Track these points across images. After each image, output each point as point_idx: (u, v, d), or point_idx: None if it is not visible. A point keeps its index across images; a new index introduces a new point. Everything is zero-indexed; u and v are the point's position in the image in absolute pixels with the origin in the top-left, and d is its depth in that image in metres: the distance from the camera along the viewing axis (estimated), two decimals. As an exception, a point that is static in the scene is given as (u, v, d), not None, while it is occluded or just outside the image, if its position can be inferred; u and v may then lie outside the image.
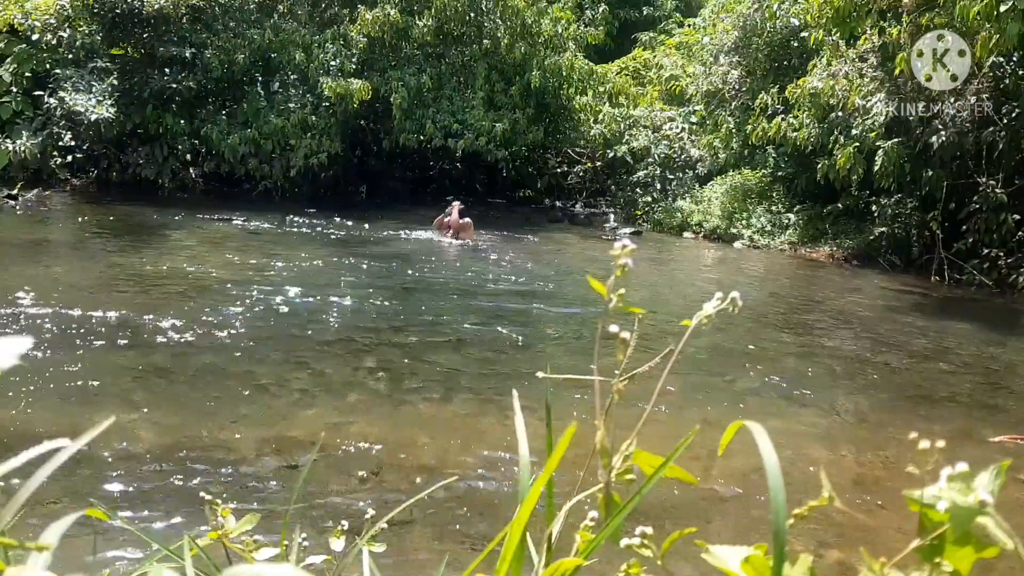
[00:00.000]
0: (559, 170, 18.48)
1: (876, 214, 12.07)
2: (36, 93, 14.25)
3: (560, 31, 16.07)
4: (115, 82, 14.12)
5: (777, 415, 5.36)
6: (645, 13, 24.09)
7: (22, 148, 13.64)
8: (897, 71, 10.64)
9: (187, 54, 14.37)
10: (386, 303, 7.72)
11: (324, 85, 14.12)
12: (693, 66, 17.46)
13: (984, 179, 10.76)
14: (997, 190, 10.59)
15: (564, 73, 15.69)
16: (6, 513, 0.61)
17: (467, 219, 11.99)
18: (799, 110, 12.53)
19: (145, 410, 4.69)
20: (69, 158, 14.41)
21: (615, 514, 0.76)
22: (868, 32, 11.77)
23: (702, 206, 14.78)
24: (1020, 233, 10.74)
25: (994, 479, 0.57)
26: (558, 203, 17.79)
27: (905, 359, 7.17)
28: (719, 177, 15.40)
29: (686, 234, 14.51)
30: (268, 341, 6.27)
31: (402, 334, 6.80)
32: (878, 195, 12.01)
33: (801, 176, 13.94)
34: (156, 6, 13.76)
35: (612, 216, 16.02)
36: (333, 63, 14.68)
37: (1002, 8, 8.30)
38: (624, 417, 0.86)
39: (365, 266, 9.96)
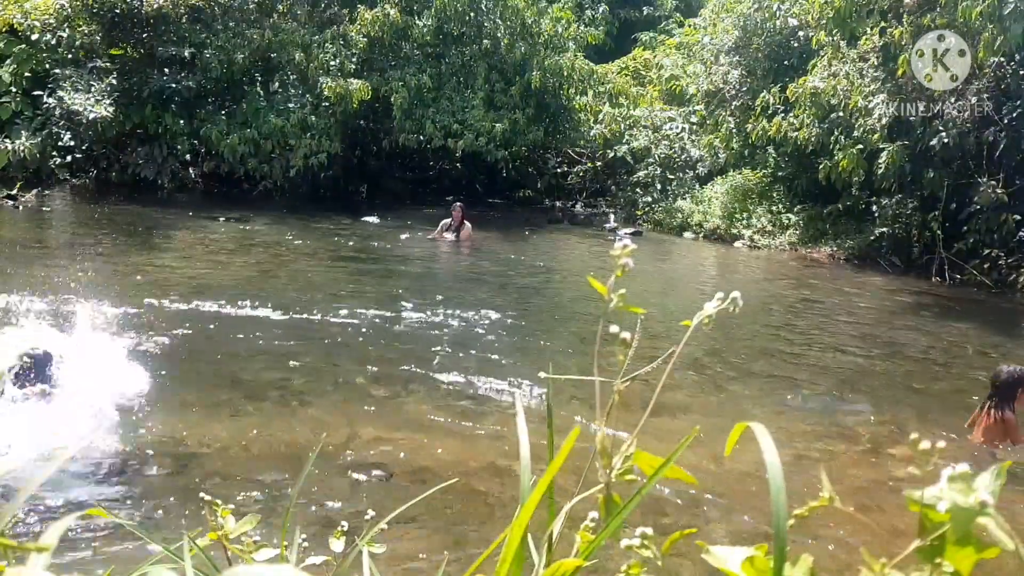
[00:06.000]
0: (559, 170, 18.49)
1: (877, 214, 12.07)
2: (35, 93, 14.26)
3: (560, 31, 16.07)
4: (114, 82, 14.12)
5: (778, 415, 5.36)
6: (645, 13, 24.10)
7: (21, 148, 13.64)
8: (900, 72, 10.64)
9: (186, 54, 14.37)
10: (386, 304, 7.71)
11: (324, 85, 14.12)
12: (693, 66, 17.47)
13: (985, 179, 10.76)
14: (998, 190, 10.58)
15: (564, 73, 15.69)
16: (6, 513, 0.61)
17: (466, 223, 11.97)
18: (800, 110, 12.52)
19: (145, 410, 4.68)
20: (68, 158, 14.42)
21: (615, 514, 0.76)
22: (869, 32, 11.77)
23: (702, 206, 14.78)
24: (1021, 233, 10.73)
25: (995, 479, 0.57)
26: (558, 203, 17.79)
27: (906, 359, 7.17)
28: (719, 177, 15.40)
29: (686, 234, 14.51)
30: (268, 342, 6.26)
31: (402, 336, 6.80)
32: (879, 195, 12.00)
33: (801, 176, 13.94)
34: (155, 6, 13.77)
35: (612, 216, 16.01)
36: (333, 63, 14.68)
37: (1005, 11, 8.31)
38: (624, 417, 0.86)
39: (365, 267, 9.97)
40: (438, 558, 3.27)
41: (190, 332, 6.24)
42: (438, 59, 15.55)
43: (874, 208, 12.16)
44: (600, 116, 17.08)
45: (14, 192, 13.07)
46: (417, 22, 15.19)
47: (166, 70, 14.55)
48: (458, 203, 12.13)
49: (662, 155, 16.60)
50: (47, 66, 14.34)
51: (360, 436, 4.57)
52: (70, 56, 14.17)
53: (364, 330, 6.83)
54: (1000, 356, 7.20)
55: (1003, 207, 10.60)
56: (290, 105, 14.60)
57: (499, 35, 15.43)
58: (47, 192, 13.74)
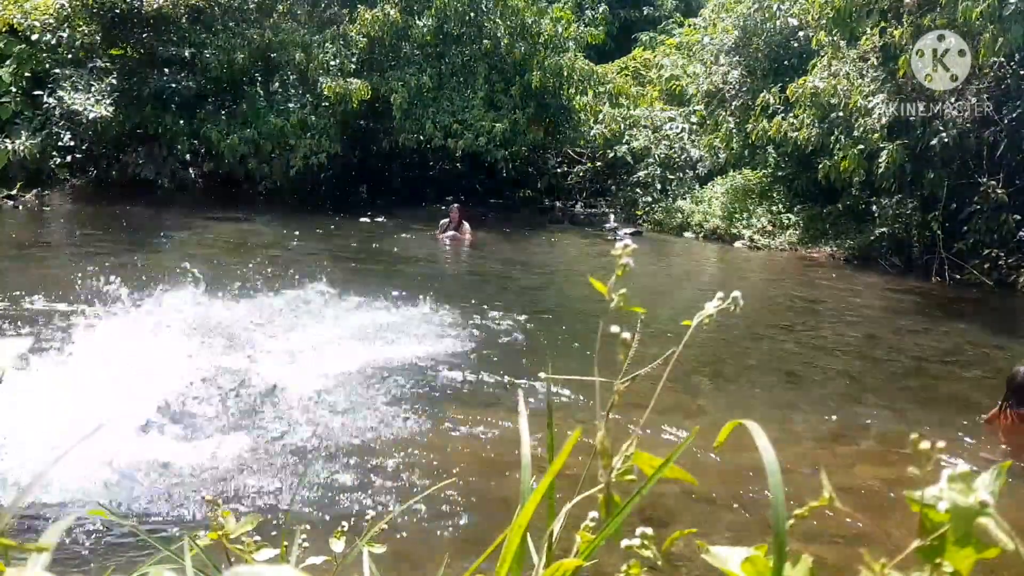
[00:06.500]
0: (559, 170, 18.48)
1: (877, 214, 12.06)
2: (36, 93, 14.26)
3: (560, 31, 16.07)
4: (114, 82, 14.13)
5: (778, 415, 5.36)
6: (645, 13, 24.10)
7: (21, 148, 13.65)
8: (900, 72, 10.64)
9: (186, 54, 14.38)
10: (385, 304, 7.71)
11: (324, 85, 14.12)
12: (693, 66, 17.46)
13: (985, 179, 10.75)
14: (998, 190, 10.57)
15: (564, 73, 15.69)
16: (7, 513, 0.61)
17: (465, 223, 11.98)
18: (800, 110, 12.52)
19: (146, 410, 4.68)
20: (68, 158, 14.42)
21: (615, 514, 0.76)
22: (869, 32, 11.77)
23: (702, 206, 14.78)
24: (1021, 233, 10.73)
25: (995, 479, 0.57)
26: (558, 203, 17.78)
27: (906, 359, 7.17)
28: (719, 177, 15.40)
29: (686, 234, 14.50)
30: (266, 341, 6.26)
31: (402, 336, 6.80)
32: (879, 195, 11.99)
33: (801, 176, 13.94)
34: (155, 6, 13.77)
35: (612, 216, 16.01)
36: (333, 63, 14.69)
37: (1006, 11, 8.30)
38: (627, 417, 0.86)
39: (365, 267, 9.97)
40: (438, 558, 3.26)
41: (188, 332, 6.23)
42: (438, 59, 15.55)
43: (874, 208, 12.15)
44: (600, 116, 17.08)
45: (14, 192, 13.07)
46: (417, 22, 15.19)
47: (166, 70, 14.55)
48: (456, 204, 12.14)
49: (662, 155, 16.60)
50: (47, 66, 14.34)
51: (361, 437, 4.57)
52: (70, 56, 14.17)
53: (363, 331, 6.83)
54: (1001, 356, 7.21)
55: (1003, 207, 10.60)
56: (290, 105, 14.60)
57: (499, 35, 15.43)
58: (47, 192, 13.73)
